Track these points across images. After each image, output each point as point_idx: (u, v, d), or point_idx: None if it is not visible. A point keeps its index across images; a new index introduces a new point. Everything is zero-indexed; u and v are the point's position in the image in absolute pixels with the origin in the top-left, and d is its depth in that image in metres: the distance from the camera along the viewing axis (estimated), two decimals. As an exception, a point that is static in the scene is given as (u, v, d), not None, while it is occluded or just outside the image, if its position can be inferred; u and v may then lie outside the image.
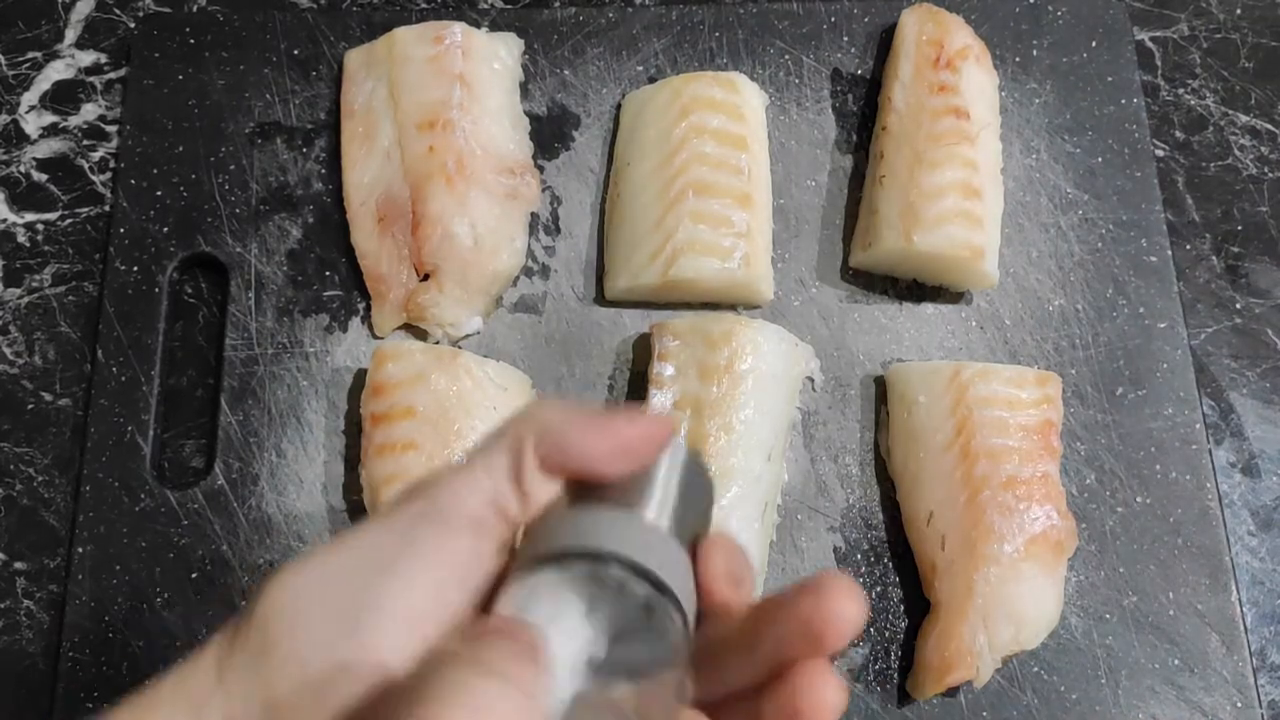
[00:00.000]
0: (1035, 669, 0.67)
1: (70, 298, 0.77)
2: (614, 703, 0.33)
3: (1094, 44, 0.81)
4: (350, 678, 0.31)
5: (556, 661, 0.32)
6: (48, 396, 0.74)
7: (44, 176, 0.80)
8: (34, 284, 0.77)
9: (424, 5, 0.86)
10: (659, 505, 0.36)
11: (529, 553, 0.35)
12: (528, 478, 0.35)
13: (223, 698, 0.32)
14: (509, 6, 0.86)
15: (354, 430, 0.71)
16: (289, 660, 0.32)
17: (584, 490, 0.36)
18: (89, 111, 0.82)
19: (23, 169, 0.81)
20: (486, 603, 0.35)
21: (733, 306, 0.75)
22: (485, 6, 0.85)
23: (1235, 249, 0.80)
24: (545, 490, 0.36)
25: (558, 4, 0.85)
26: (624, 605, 0.33)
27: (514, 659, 0.30)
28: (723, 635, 0.37)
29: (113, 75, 0.84)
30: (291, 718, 0.31)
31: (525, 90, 0.80)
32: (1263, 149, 0.82)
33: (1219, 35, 0.86)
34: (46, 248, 0.78)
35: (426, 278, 0.72)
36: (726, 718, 0.37)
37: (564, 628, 0.33)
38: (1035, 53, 0.81)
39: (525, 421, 0.36)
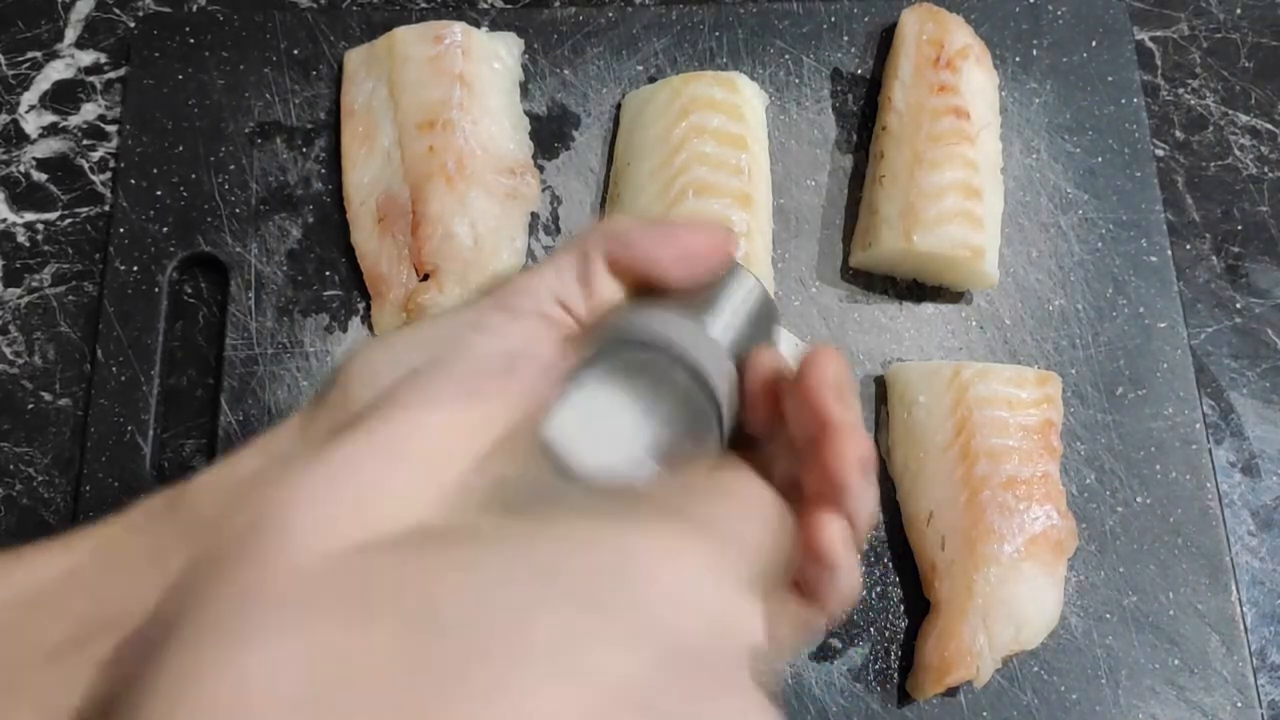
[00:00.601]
0: (1035, 669, 0.67)
1: (70, 297, 0.77)
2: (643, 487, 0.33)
3: (1094, 44, 0.81)
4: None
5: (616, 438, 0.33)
6: (47, 396, 0.74)
7: (44, 176, 0.80)
8: (34, 284, 0.77)
9: (424, 5, 0.85)
10: (722, 323, 0.37)
11: (590, 335, 0.36)
12: (594, 278, 0.37)
13: (305, 450, 0.33)
14: (509, 6, 0.86)
15: (354, 430, 0.71)
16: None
17: (653, 296, 0.37)
18: (89, 111, 0.82)
19: (22, 169, 0.81)
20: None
21: (733, 306, 0.75)
22: (485, 6, 0.85)
23: (1235, 249, 0.80)
24: (611, 293, 0.37)
25: (558, 4, 0.85)
26: (670, 401, 0.34)
27: None
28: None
29: (112, 75, 0.84)
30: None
31: (525, 90, 0.80)
32: (1263, 149, 0.82)
33: (1219, 35, 0.86)
34: (46, 247, 0.78)
35: (426, 278, 0.72)
36: None
37: (615, 406, 0.34)
38: (1035, 52, 0.81)
39: (595, 228, 0.38)
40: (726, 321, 0.37)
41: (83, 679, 0.28)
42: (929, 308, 0.75)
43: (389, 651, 0.23)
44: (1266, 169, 0.82)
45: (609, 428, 0.34)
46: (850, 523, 0.34)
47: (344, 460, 0.29)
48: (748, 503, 0.34)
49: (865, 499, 0.34)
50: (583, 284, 0.37)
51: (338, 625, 0.24)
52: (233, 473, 0.33)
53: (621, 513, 0.30)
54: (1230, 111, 0.83)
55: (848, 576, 0.34)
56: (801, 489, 0.35)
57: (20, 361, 0.75)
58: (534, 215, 0.76)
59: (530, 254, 0.76)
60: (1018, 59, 0.81)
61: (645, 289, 0.38)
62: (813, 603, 0.34)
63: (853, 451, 0.34)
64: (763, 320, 0.39)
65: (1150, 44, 0.85)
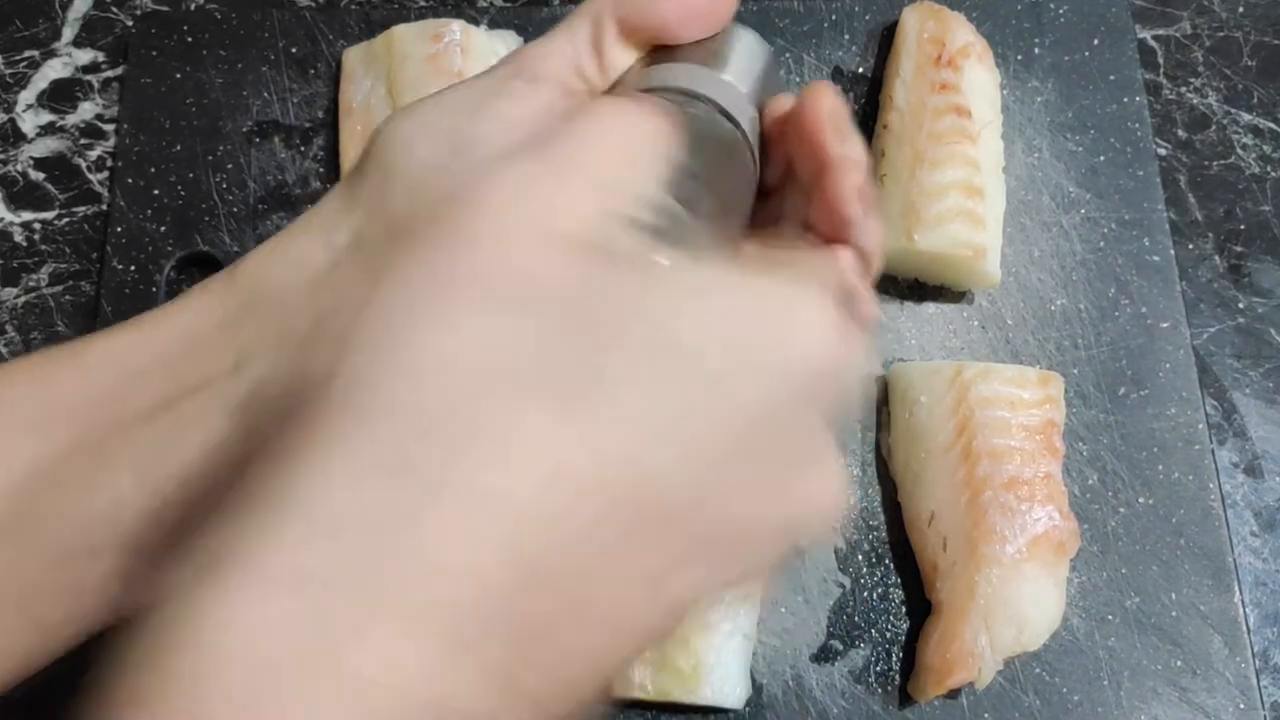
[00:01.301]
0: (1037, 670, 0.67)
1: (67, 297, 0.77)
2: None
3: (1096, 42, 0.81)
4: (464, 189, 0.34)
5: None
6: (45, 396, 0.74)
7: (41, 175, 0.80)
8: (31, 284, 0.77)
9: (423, 3, 0.85)
10: (737, 72, 0.38)
11: (616, 92, 0.38)
12: (606, 44, 0.38)
13: (348, 221, 0.34)
14: (508, 4, 0.85)
15: (352, 430, 0.71)
16: (406, 181, 0.34)
17: (667, 55, 0.39)
18: (86, 110, 0.82)
19: (19, 168, 0.80)
20: None
21: (733, 306, 0.74)
22: (484, 4, 0.85)
23: (1238, 248, 0.79)
24: (624, 58, 0.39)
25: (557, 2, 0.85)
26: (716, 144, 0.36)
27: None
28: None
29: (110, 74, 0.83)
30: (412, 227, 0.33)
31: (524, 89, 0.79)
32: (1265, 148, 0.82)
33: (1222, 34, 0.85)
34: (43, 247, 0.78)
35: (425, 277, 0.72)
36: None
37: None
38: (1037, 51, 0.81)
39: None
40: (739, 71, 0.39)
41: (179, 436, 0.32)
42: (930, 307, 0.75)
43: (577, 340, 0.25)
44: (1269, 168, 0.81)
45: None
46: (860, 253, 0.37)
47: (528, 171, 0.30)
48: (815, 255, 0.37)
49: (869, 230, 0.37)
50: (596, 51, 0.38)
51: (540, 313, 0.26)
52: (288, 252, 0.35)
53: (750, 263, 0.32)
54: (1233, 110, 0.83)
55: (864, 304, 0.37)
56: (814, 231, 0.37)
57: (17, 361, 0.75)
58: (533, 214, 0.76)
59: (529, 253, 0.76)
60: (1019, 57, 0.81)
61: (653, 53, 0.39)
62: None
63: (851, 182, 0.36)
64: (770, 72, 0.40)
65: (1153, 42, 0.85)
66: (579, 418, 0.24)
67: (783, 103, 0.39)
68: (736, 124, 0.37)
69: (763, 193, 0.40)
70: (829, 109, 0.37)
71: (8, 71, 0.83)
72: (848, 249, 0.36)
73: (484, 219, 0.27)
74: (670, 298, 0.27)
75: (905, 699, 0.66)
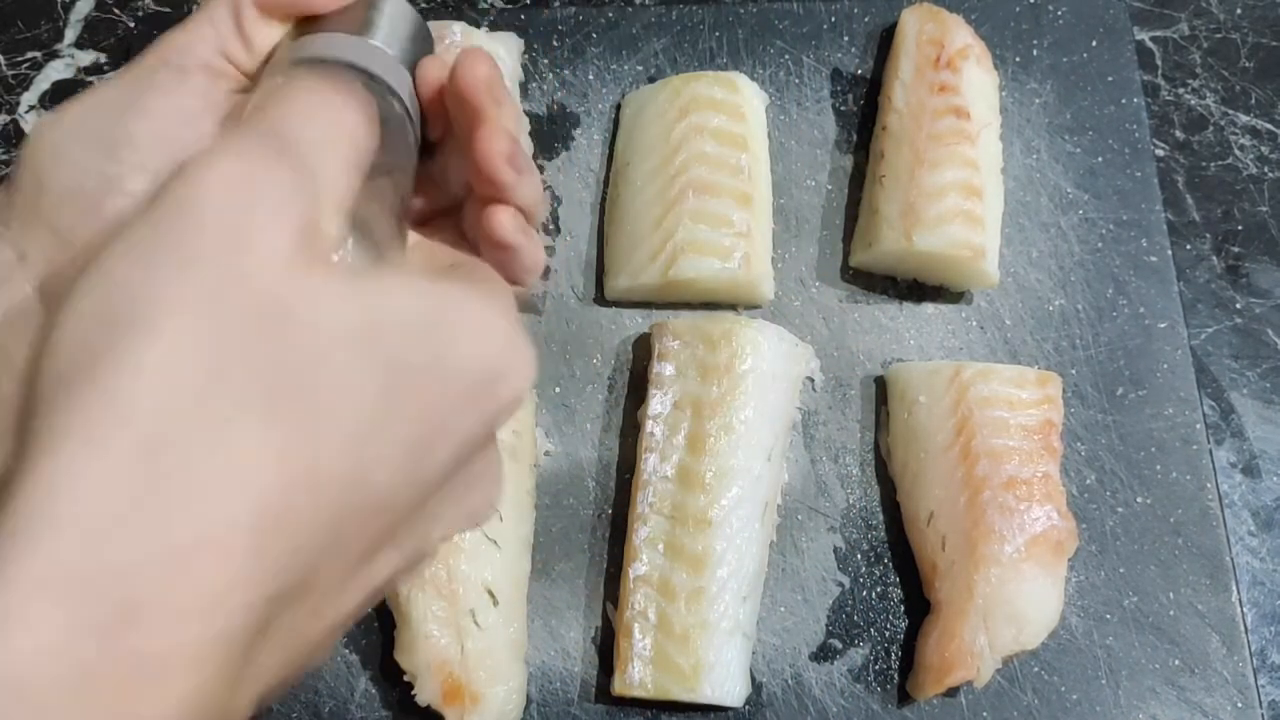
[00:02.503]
0: (1036, 669, 0.67)
1: (70, 298, 0.77)
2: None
3: (1094, 44, 0.81)
4: (122, 195, 0.34)
5: None
6: (47, 396, 0.74)
7: (43, 176, 0.80)
8: (33, 284, 0.77)
9: (424, 5, 0.85)
10: (383, 35, 0.38)
11: (266, 73, 0.37)
12: (248, 25, 0.38)
13: (8, 235, 0.34)
14: (509, 6, 0.86)
15: (354, 430, 0.71)
16: (61, 189, 0.34)
17: (315, 25, 0.38)
18: (88, 111, 0.82)
19: (22, 169, 0.80)
20: None
21: (733, 306, 0.75)
22: (485, 6, 0.85)
23: (1235, 249, 0.80)
24: (269, 36, 0.38)
25: (558, 4, 0.85)
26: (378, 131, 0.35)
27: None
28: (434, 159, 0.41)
29: (112, 75, 0.83)
30: (73, 236, 0.33)
31: (525, 90, 0.80)
32: (1263, 149, 0.82)
33: (1219, 35, 0.86)
34: (46, 248, 0.78)
35: (426, 278, 0.72)
36: (434, 230, 0.41)
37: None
38: (1035, 52, 0.81)
39: None
40: (387, 34, 0.38)
41: None
42: (929, 308, 0.75)
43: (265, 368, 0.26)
44: (1267, 169, 0.82)
45: None
46: (520, 209, 0.38)
47: (228, 176, 0.29)
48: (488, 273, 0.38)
49: (523, 186, 0.38)
50: (239, 31, 0.38)
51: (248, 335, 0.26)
52: None
53: (439, 281, 0.32)
54: (1230, 111, 0.83)
55: (530, 254, 0.39)
56: (474, 191, 0.38)
57: (20, 362, 0.75)
58: (534, 215, 0.76)
59: (530, 254, 0.76)
60: (1018, 59, 0.81)
61: (300, 25, 0.39)
62: (508, 280, 0.39)
63: (498, 144, 0.37)
64: (419, 33, 0.40)
65: (1150, 44, 0.85)
66: (283, 424, 0.26)
67: (437, 67, 0.40)
68: (394, 92, 0.37)
69: (425, 150, 0.40)
70: (484, 73, 0.37)
71: (10, 73, 0.84)
72: (508, 206, 0.38)
73: (182, 235, 0.27)
74: (351, 312, 0.28)
75: (904, 697, 0.66)
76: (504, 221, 0.38)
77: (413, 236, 0.41)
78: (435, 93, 0.39)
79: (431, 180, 0.41)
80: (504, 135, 0.37)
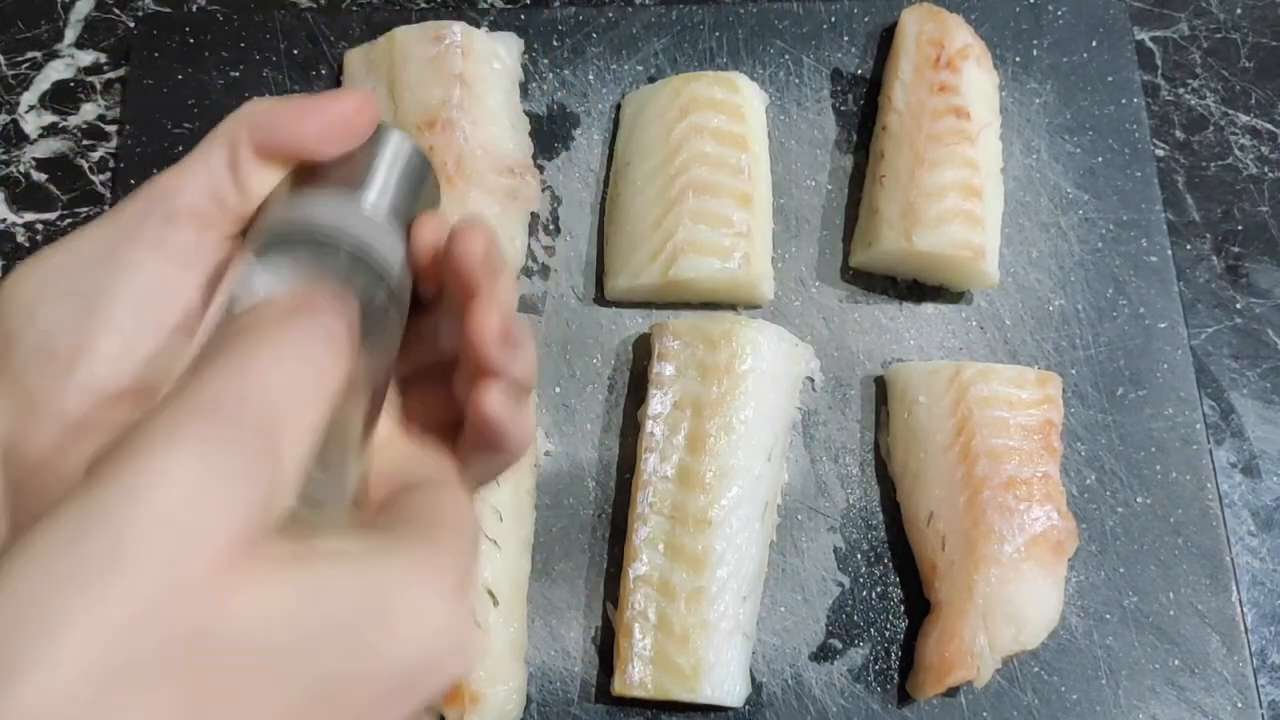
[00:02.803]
0: (1036, 669, 0.67)
1: (70, 298, 0.77)
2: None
3: (1094, 44, 0.81)
4: (94, 357, 0.33)
5: None
6: (47, 396, 0.74)
7: (43, 176, 0.80)
8: (33, 284, 0.77)
9: (424, 5, 0.85)
10: (378, 191, 0.37)
11: (251, 234, 0.36)
12: (244, 169, 0.36)
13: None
14: (509, 6, 0.86)
15: (354, 430, 0.71)
16: (30, 349, 0.33)
17: (304, 178, 0.37)
18: (88, 111, 0.82)
19: (22, 169, 0.81)
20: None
21: (733, 306, 0.75)
22: (485, 6, 0.85)
23: (1236, 249, 0.80)
24: (265, 181, 0.37)
25: (558, 4, 0.85)
26: (340, 282, 0.34)
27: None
28: (428, 314, 0.39)
29: (112, 75, 0.84)
30: (41, 397, 0.32)
31: (525, 90, 0.80)
32: (1263, 149, 0.82)
33: (1219, 35, 0.86)
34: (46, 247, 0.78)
35: (426, 278, 0.72)
36: (424, 389, 0.39)
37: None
38: (1035, 52, 0.81)
39: (238, 113, 0.37)
40: (383, 188, 0.37)
41: None
42: (929, 308, 0.75)
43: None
44: (1267, 169, 0.82)
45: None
46: (511, 384, 0.36)
47: (182, 462, 0.27)
48: (457, 521, 0.34)
49: (516, 364, 0.36)
50: (234, 176, 0.36)
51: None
52: None
53: (371, 545, 0.30)
54: (1230, 111, 0.83)
55: (519, 431, 0.36)
56: (465, 360, 0.37)
57: (20, 362, 0.75)
58: (534, 215, 0.76)
59: (530, 254, 0.76)
60: (1018, 59, 0.81)
61: (298, 169, 0.37)
62: (496, 454, 0.37)
63: (493, 322, 0.35)
64: (419, 178, 0.39)
65: (1150, 44, 0.85)
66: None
67: (434, 228, 0.37)
68: (381, 267, 0.35)
69: (417, 303, 0.38)
70: (481, 246, 0.35)
71: (10, 73, 0.84)
72: (499, 381, 0.36)
73: (118, 536, 0.25)
74: (278, 622, 0.26)
75: (904, 697, 0.66)
76: (493, 399, 0.36)
77: (394, 398, 0.39)
78: (430, 254, 0.37)
79: (422, 338, 0.39)
80: (498, 311, 0.35)
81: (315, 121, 0.36)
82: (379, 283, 0.35)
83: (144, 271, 0.34)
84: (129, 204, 0.36)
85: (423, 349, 0.39)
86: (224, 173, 0.36)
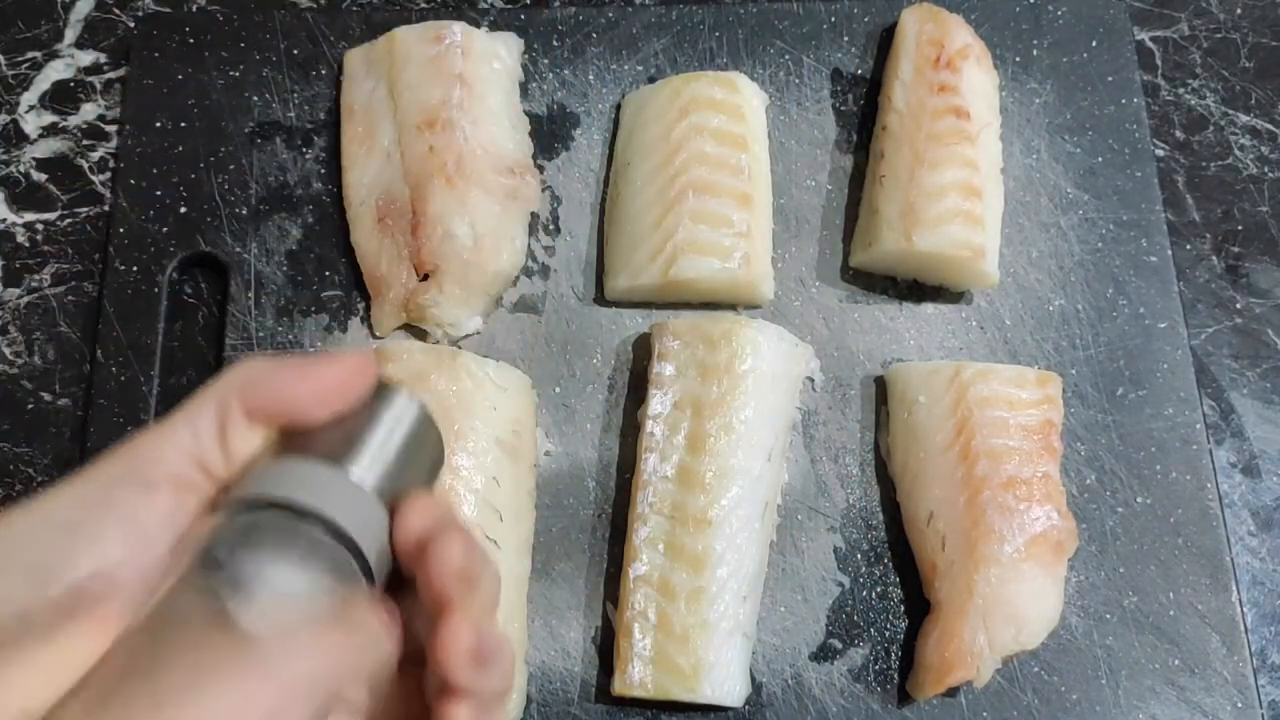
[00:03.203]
0: (1036, 669, 0.67)
1: (70, 298, 0.77)
2: None
3: (1094, 44, 0.81)
4: (40, 635, 0.31)
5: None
6: (48, 396, 0.74)
7: (43, 176, 0.80)
8: (33, 284, 0.77)
9: (424, 5, 0.85)
10: (368, 460, 0.35)
11: (223, 500, 0.35)
12: (233, 432, 0.35)
13: None
14: (509, 6, 0.86)
15: (354, 430, 0.71)
16: None
17: (295, 441, 0.36)
18: (88, 111, 0.82)
19: (22, 169, 0.81)
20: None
21: (733, 306, 0.75)
22: (485, 6, 0.85)
23: (1235, 249, 0.80)
24: (252, 443, 0.36)
25: (558, 4, 0.85)
26: (310, 555, 0.33)
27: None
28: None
29: (112, 75, 0.84)
30: None
31: (525, 90, 0.80)
32: (1263, 149, 0.82)
33: (1219, 35, 0.86)
34: (46, 248, 0.78)
35: (426, 278, 0.72)
36: (401, 677, 0.37)
37: (251, 570, 0.32)
38: (1035, 52, 0.81)
39: (231, 374, 0.36)
40: (374, 456, 0.36)
41: None
42: (929, 308, 0.75)
43: None
44: (1267, 169, 0.82)
45: (270, 588, 0.32)
46: (480, 702, 0.34)
47: None
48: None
49: (487, 682, 0.34)
50: (221, 439, 0.35)
51: None
52: None
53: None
54: (1230, 111, 0.83)
55: None
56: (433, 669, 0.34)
57: (20, 361, 0.75)
58: (534, 215, 0.76)
59: (530, 254, 0.76)
60: (1018, 59, 0.81)
61: (285, 432, 0.36)
62: None
63: (463, 641, 0.33)
64: (419, 441, 0.37)
65: (1150, 44, 0.85)
66: None
67: (419, 514, 0.35)
68: (343, 533, 0.34)
69: (397, 578, 0.36)
70: (455, 563, 0.34)
71: (10, 73, 0.84)
72: (466, 700, 0.33)
73: None
74: None
75: (904, 697, 0.66)
76: (458, 718, 0.33)
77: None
78: (412, 542, 0.35)
79: (398, 623, 0.37)
80: (470, 629, 0.33)
81: (310, 385, 0.35)
82: (350, 563, 0.34)
83: (110, 544, 0.33)
84: (107, 465, 0.34)
85: (401, 630, 0.37)
86: (211, 438, 0.35)
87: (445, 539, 0.34)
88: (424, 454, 0.38)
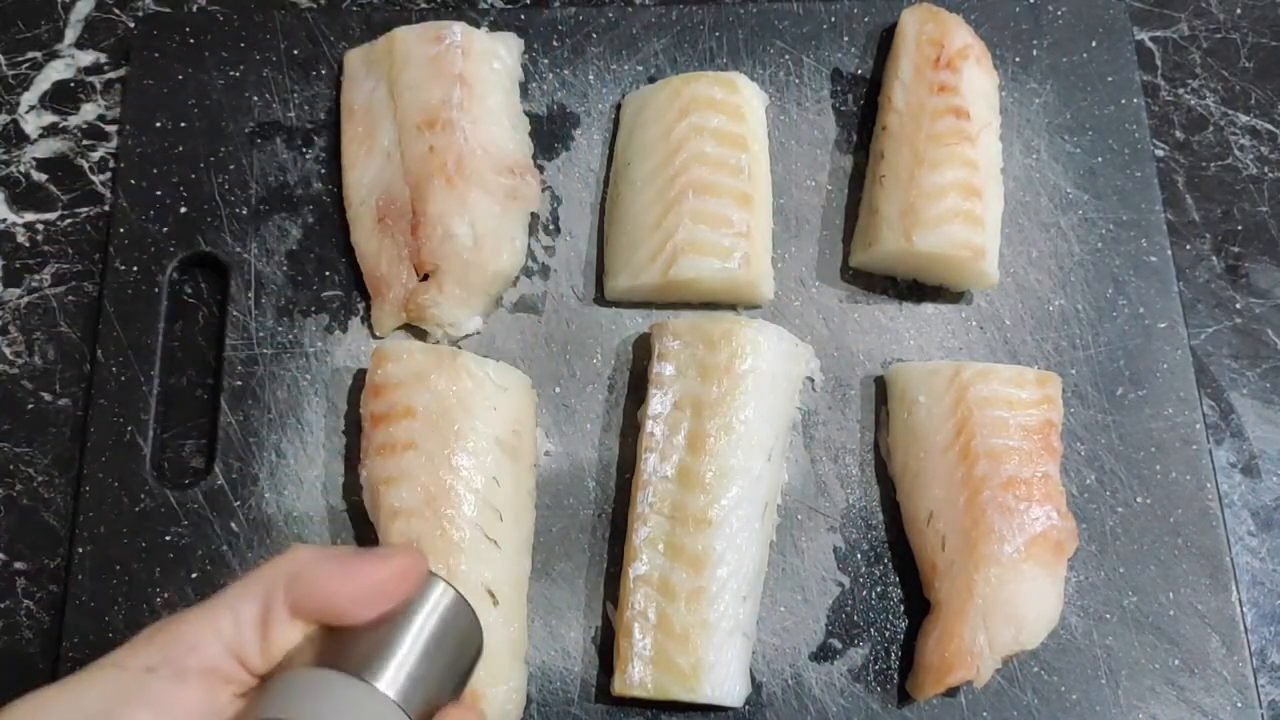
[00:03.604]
0: (1035, 669, 0.67)
1: (70, 298, 0.77)
2: None
3: (1094, 44, 0.81)
4: None
5: None
6: (48, 396, 0.74)
7: (44, 176, 0.80)
8: (34, 284, 0.77)
9: (424, 5, 0.85)
10: (396, 666, 0.35)
11: (256, 706, 0.34)
12: (275, 626, 0.35)
13: None
14: (509, 6, 0.86)
15: (354, 430, 0.71)
16: None
17: (334, 636, 0.35)
18: (89, 111, 0.82)
19: (22, 169, 0.81)
20: None
21: (733, 306, 0.75)
22: (485, 6, 0.85)
23: (1235, 249, 0.80)
24: (291, 639, 0.35)
25: (558, 4, 0.85)
26: None
27: None
28: None
29: (112, 75, 0.84)
30: None
31: (525, 90, 0.80)
32: (1263, 149, 0.82)
33: (1219, 35, 0.86)
34: (46, 248, 0.78)
35: (426, 278, 0.72)
36: None
37: None
38: (1035, 52, 0.81)
39: (279, 563, 0.36)
40: (405, 657, 0.35)
41: None
42: (929, 308, 0.75)
43: None
44: (1266, 169, 0.82)
45: None
46: None
47: None
48: None
49: None
50: (261, 629, 0.35)
51: None
52: None
53: None
54: (1230, 112, 0.83)
55: None
56: None
57: (20, 361, 0.75)
58: (534, 215, 0.76)
59: (530, 254, 0.76)
60: (1018, 59, 0.81)
61: (324, 629, 0.36)
62: None
63: None
64: (457, 638, 0.37)
65: (1150, 44, 0.85)
66: None
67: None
68: None
69: None
70: None
71: (10, 73, 0.84)
72: None
73: None
74: None
75: (904, 697, 0.66)
76: None
77: None
78: None
79: None
80: None
81: (353, 587, 0.35)
82: None
83: None
84: (142, 648, 0.34)
85: None
86: (252, 630, 0.35)
87: None
88: (459, 649, 0.38)
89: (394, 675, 0.35)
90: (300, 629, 0.36)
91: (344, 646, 0.35)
